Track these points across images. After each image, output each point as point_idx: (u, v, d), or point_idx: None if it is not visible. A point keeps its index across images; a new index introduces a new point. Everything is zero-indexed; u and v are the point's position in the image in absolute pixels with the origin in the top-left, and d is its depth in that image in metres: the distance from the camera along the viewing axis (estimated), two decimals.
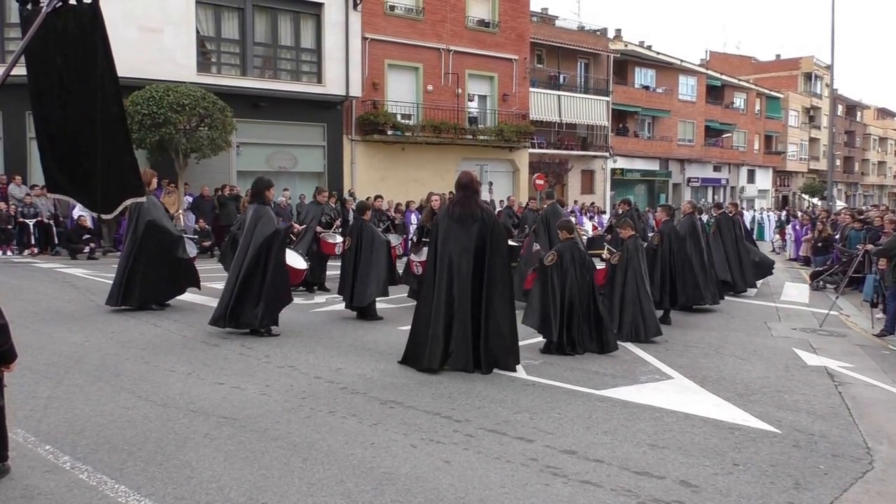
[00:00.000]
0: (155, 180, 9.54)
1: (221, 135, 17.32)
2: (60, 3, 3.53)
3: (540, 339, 7.61)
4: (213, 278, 11.92)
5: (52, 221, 15.53)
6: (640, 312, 8.29)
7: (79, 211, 15.79)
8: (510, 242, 11.23)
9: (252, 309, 7.65)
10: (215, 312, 7.83)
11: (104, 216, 4.16)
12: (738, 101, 49.53)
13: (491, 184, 23.46)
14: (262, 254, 7.69)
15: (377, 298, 9.27)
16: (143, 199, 4.98)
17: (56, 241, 15.54)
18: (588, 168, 35.67)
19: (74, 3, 3.59)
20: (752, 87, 50.75)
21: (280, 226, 8.06)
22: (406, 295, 10.32)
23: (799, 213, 27.98)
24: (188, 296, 10.04)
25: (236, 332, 7.79)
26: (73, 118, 3.72)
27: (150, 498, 3.68)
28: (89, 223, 15.66)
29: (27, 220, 15.17)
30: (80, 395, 5.39)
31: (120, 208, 4.05)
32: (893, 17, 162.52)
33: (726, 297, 11.72)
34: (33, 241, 15.15)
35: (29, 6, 3.58)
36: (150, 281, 9.06)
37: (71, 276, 12.03)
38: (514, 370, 6.58)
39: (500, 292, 6.58)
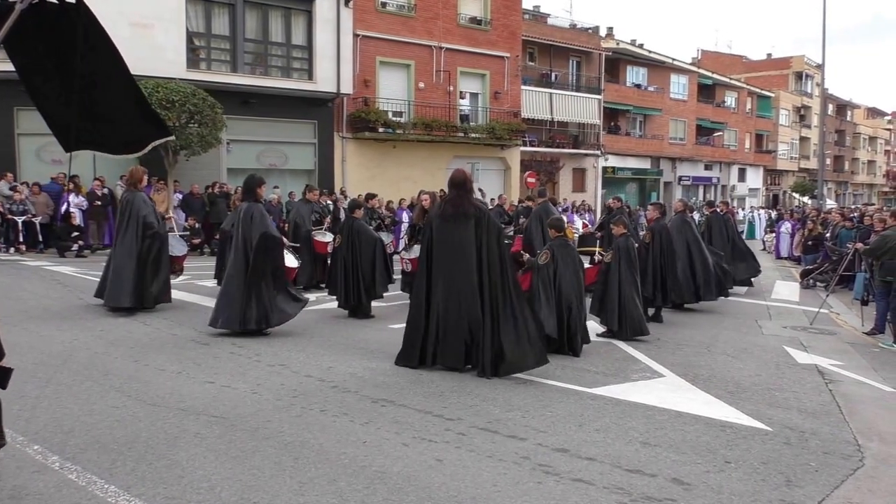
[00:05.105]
0: (146, 177, 9.47)
1: (211, 132, 17.20)
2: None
3: None
4: (205, 276, 11.88)
5: (37, 220, 15.35)
6: (633, 310, 8.28)
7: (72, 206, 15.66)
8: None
9: (259, 310, 7.58)
10: (231, 316, 7.54)
11: (130, 155, 4.28)
12: (730, 99, 49.70)
13: (481, 190, 23.05)
14: (259, 254, 7.64)
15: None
16: (172, 136, 5.16)
17: (41, 239, 15.37)
18: (579, 166, 35.71)
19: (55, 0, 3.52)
20: (744, 86, 50.93)
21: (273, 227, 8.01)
22: (401, 290, 10.24)
23: (786, 212, 28.03)
24: (178, 294, 9.98)
25: (227, 331, 7.73)
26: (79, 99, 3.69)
27: (140, 498, 3.65)
28: (78, 220, 15.54)
29: (16, 218, 15.02)
30: (69, 395, 5.34)
31: (149, 147, 4.11)
32: (884, 17, 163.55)
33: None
34: (21, 239, 15.00)
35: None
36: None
37: (59, 274, 11.94)
38: (533, 367, 6.36)
39: (507, 288, 6.42)
